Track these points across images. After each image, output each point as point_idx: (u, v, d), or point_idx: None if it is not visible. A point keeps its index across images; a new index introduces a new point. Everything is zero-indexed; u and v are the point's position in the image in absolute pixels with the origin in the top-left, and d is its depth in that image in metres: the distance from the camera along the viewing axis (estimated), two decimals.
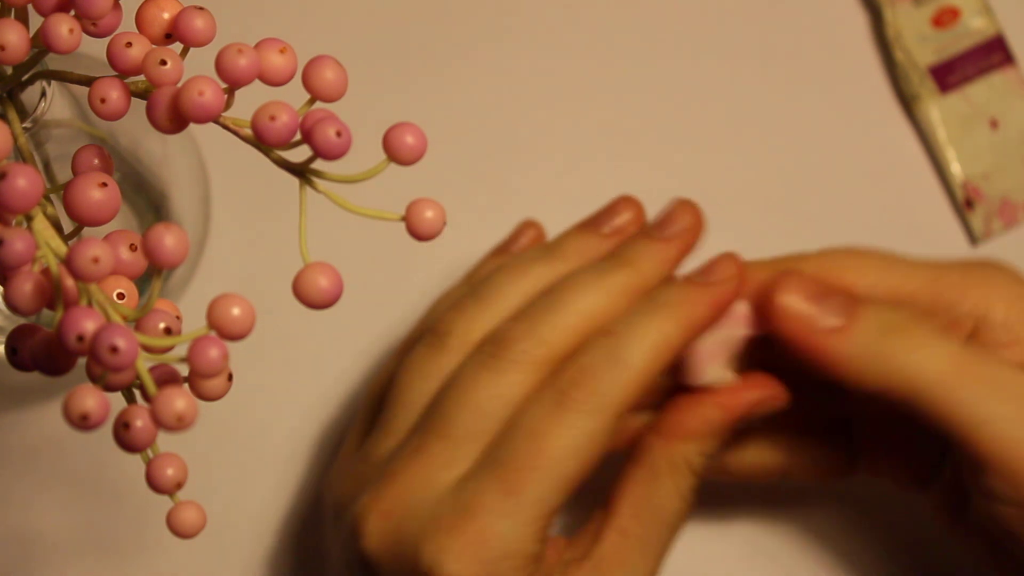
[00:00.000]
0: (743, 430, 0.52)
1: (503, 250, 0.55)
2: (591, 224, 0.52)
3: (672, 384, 0.51)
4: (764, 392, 0.50)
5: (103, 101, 0.37)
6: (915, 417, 0.48)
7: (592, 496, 0.50)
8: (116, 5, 0.37)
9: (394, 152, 0.37)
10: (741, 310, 0.50)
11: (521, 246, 0.55)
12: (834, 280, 0.50)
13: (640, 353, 0.48)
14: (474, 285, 0.52)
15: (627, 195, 0.53)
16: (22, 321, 0.50)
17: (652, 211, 0.52)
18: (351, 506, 0.49)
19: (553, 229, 0.57)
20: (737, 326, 0.50)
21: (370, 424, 0.52)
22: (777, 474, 0.54)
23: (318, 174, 0.38)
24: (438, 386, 0.50)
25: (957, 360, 0.47)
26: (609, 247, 0.52)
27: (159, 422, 0.35)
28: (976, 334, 0.49)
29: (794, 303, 0.49)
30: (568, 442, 0.47)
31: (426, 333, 0.51)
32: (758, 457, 0.54)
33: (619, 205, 0.52)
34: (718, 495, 0.58)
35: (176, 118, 0.37)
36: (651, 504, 0.49)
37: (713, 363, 0.50)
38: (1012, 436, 0.47)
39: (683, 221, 0.51)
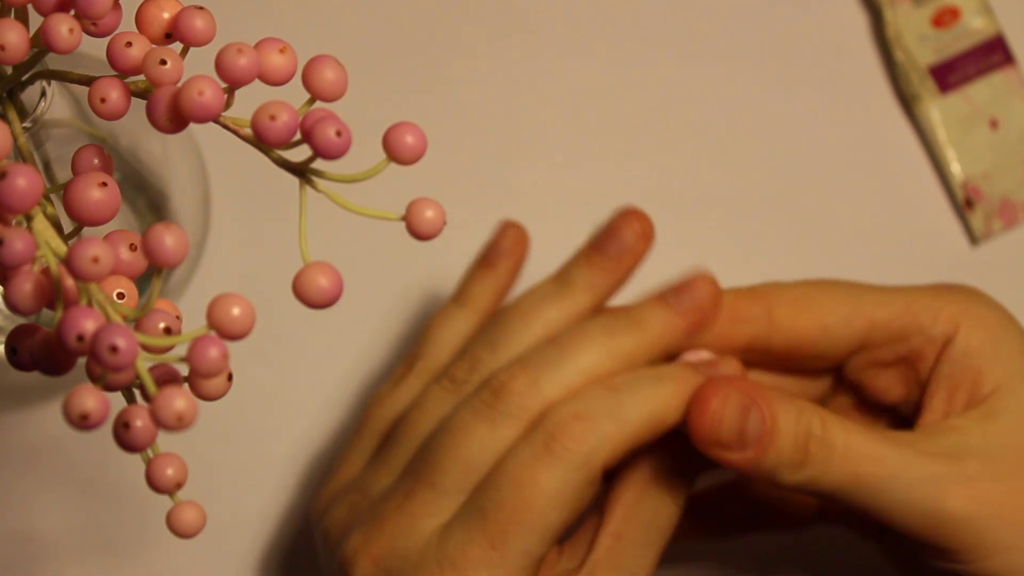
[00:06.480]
0: None
1: (488, 261, 0.53)
2: (599, 247, 0.51)
3: None
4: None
5: (103, 101, 0.37)
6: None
7: None
8: (116, 5, 0.37)
9: (394, 152, 0.37)
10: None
11: (505, 251, 0.53)
12: (809, 315, 0.50)
13: (639, 414, 0.48)
14: (486, 327, 0.51)
15: (630, 206, 0.52)
16: (22, 321, 0.50)
17: (653, 213, 0.52)
18: (343, 543, 0.49)
19: (553, 229, 0.57)
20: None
21: (369, 451, 0.52)
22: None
23: (318, 174, 0.38)
24: None
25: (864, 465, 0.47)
26: (619, 275, 0.51)
27: (159, 422, 0.35)
28: (940, 357, 0.49)
29: (710, 439, 0.47)
30: (552, 494, 0.47)
31: (442, 377, 0.50)
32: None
33: (624, 221, 0.51)
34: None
35: (176, 118, 0.37)
36: (645, 508, 0.49)
37: None
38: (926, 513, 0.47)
39: (701, 294, 0.50)
